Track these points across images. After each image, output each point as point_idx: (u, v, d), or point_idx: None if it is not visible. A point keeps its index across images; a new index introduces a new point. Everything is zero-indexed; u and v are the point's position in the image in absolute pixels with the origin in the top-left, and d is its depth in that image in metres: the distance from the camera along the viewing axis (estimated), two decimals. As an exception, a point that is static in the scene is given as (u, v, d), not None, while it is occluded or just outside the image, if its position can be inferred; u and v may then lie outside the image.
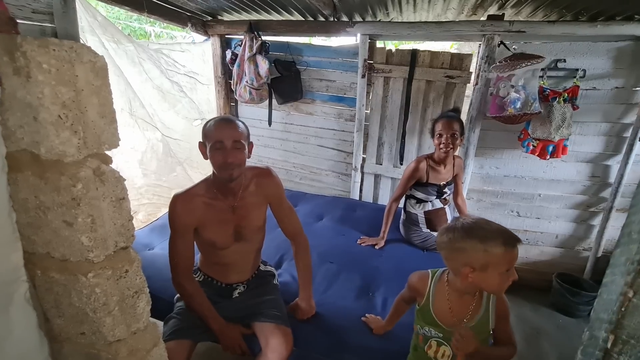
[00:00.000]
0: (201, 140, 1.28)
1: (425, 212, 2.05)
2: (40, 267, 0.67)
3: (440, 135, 1.90)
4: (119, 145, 0.66)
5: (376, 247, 2.03)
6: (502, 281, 0.95)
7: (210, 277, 1.44)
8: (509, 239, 0.93)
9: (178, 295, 1.41)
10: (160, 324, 1.32)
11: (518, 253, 0.94)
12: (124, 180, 0.68)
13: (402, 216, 2.18)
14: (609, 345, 0.46)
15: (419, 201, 2.06)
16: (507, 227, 0.97)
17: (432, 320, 1.09)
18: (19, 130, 0.57)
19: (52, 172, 0.58)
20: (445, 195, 2.08)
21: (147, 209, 2.73)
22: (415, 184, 2.04)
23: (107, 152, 0.66)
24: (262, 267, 1.56)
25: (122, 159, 2.49)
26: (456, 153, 2.05)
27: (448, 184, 2.07)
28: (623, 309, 0.44)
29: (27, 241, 0.65)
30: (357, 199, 2.82)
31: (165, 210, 2.65)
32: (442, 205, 2.08)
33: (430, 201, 2.05)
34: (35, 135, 0.56)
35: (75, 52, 0.55)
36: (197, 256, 1.44)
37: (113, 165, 0.67)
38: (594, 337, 0.49)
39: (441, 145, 1.91)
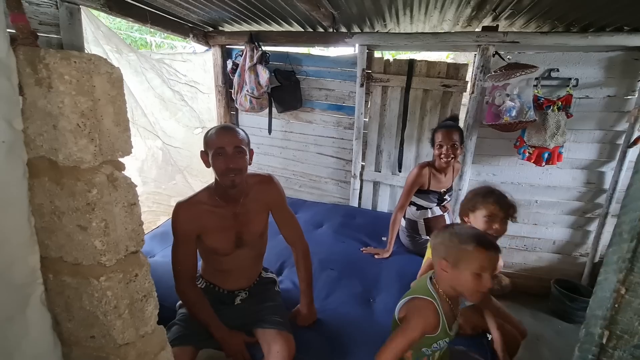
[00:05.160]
0: (203, 149, 1.31)
1: (425, 220, 2.07)
2: (52, 270, 0.68)
3: (441, 146, 1.91)
4: (131, 152, 0.69)
5: (376, 256, 2.02)
6: (475, 283, 0.97)
7: (212, 284, 1.45)
8: (483, 240, 0.97)
9: (180, 302, 1.42)
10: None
11: (496, 260, 0.97)
12: (136, 186, 0.71)
13: (402, 223, 2.20)
14: (604, 341, 0.48)
15: (419, 208, 2.08)
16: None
17: (445, 333, 1.06)
18: (38, 137, 0.59)
19: (68, 178, 0.60)
20: (445, 202, 2.10)
21: (147, 217, 2.74)
22: (417, 191, 2.05)
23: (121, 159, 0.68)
24: (264, 274, 1.57)
25: (123, 167, 2.51)
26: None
27: (448, 190, 2.10)
28: (616, 305, 0.46)
29: (41, 245, 0.67)
30: (357, 206, 2.84)
31: (165, 218, 2.68)
32: (441, 213, 2.10)
33: (430, 208, 2.07)
34: (54, 142, 0.58)
35: (93, 64, 0.58)
36: (199, 263, 1.45)
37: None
38: (590, 333, 0.51)
39: (442, 156, 1.92)
